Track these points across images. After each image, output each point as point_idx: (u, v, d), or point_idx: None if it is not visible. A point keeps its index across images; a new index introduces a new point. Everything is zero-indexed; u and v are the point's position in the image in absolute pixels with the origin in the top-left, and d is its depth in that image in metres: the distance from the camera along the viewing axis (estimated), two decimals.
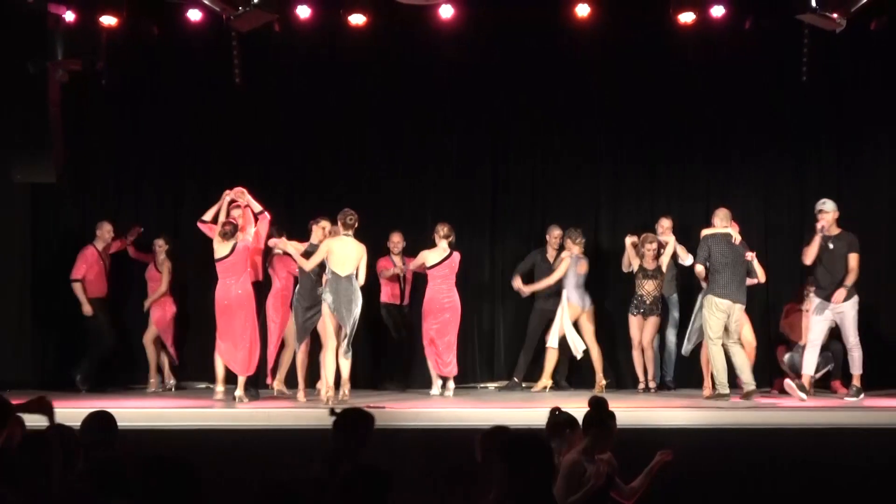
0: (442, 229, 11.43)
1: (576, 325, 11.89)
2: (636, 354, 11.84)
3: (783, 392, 11.13)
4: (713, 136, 12.68)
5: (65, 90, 11.26)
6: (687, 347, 11.40)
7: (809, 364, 10.84)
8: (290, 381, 11.36)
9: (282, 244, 10.97)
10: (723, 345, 10.77)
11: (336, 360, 10.66)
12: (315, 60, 12.55)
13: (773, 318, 12.02)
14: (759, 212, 12.52)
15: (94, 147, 12.58)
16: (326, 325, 10.63)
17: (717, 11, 11.48)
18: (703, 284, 11.00)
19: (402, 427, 8.98)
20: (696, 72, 12.40)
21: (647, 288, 11.71)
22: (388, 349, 12.29)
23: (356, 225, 10.69)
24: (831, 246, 10.81)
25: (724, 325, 10.77)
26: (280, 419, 9.87)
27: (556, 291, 11.98)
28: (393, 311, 12.14)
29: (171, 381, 12.13)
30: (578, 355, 11.88)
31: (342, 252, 10.57)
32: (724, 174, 12.72)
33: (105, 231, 11.97)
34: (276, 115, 12.64)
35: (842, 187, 12.51)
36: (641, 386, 11.82)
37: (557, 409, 6.34)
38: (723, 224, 10.99)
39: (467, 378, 12.44)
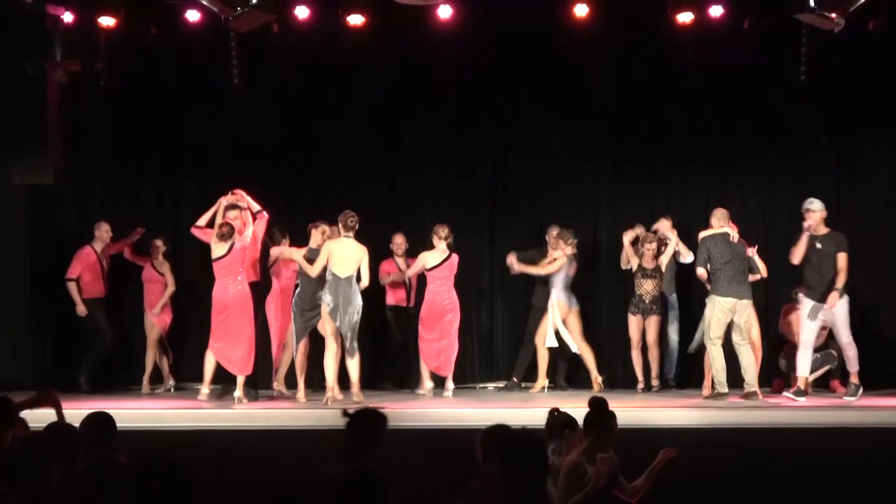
0: (441, 230, 11.42)
1: (564, 324, 11.87)
2: (635, 354, 11.84)
3: (782, 392, 11.15)
4: (712, 135, 12.68)
5: (63, 91, 11.24)
6: (692, 346, 11.41)
7: (803, 366, 10.81)
8: (291, 381, 11.35)
9: (286, 252, 10.93)
10: (733, 343, 10.76)
11: (337, 361, 10.67)
12: (314, 61, 12.55)
13: (772, 319, 12.00)
14: (758, 211, 12.52)
15: (93, 148, 12.57)
16: (326, 328, 10.63)
17: (716, 11, 11.50)
18: (708, 286, 10.98)
19: (402, 427, 8.95)
20: (694, 72, 12.40)
21: (646, 287, 11.71)
22: (389, 350, 12.26)
23: (357, 226, 10.69)
24: (819, 245, 10.76)
25: (726, 326, 10.76)
26: (280, 419, 9.87)
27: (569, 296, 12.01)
28: (400, 313, 12.13)
29: (171, 382, 12.12)
30: (574, 350, 11.86)
31: (342, 254, 10.57)
32: (723, 174, 12.72)
33: (103, 231, 11.97)
34: (274, 115, 12.64)
35: (841, 187, 12.53)
36: (640, 386, 11.82)
37: (556, 409, 6.34)
38: (720, 224, 10.99)
39: (466, 378, 12.45)
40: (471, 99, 12.72)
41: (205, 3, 10.84)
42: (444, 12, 11.65)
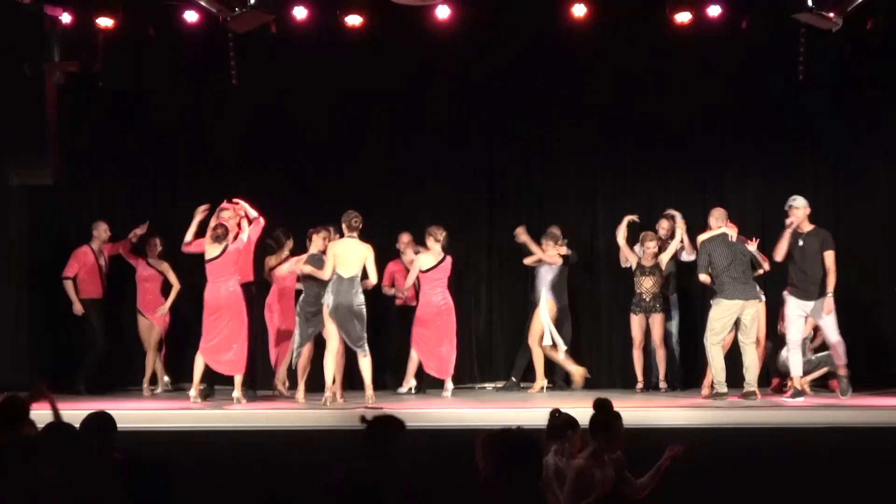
0: (437, 233, 11.42)
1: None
2: (636, 354, 11.84)
3: (780, 392, 11.16)
4: (710, 135, 12.68)
5: (62, 92, 11.24)
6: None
7: (796, 365, 10.75)
8: (292, 381, 11.36)
9: (298, 269, 10.88)
10: (739, 342, 10.74)
11: (336, 361, 10.66)
12: (312, 61, 12.53)
13: (771, 319, 11.99)
14: (756, 211, 12.52)
15: (91, 148, 12.55)
16: (328, 328, 10.62)
17: (714, 11, 11.50)
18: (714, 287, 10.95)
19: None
20: (692, 72, 12.39)
21: (646, 285, 11.72)
22: (397, 350, 12.22)
23: (360, 226, 10.69)
24: (801, 243, 10.67)
25: (728, 327, 10.75)
26: (279, 420, 9.86)
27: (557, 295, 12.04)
28: (408, 313, 12.05)
29: (167, 379, 12.09)
30: (561, 355, 11.85)
31: (346, 254, 10.57)
32: (722, 174, 12.74)
33: (101, 231, 11.96)
34: (272, 115, 12.63)
35: (839, 186, 12.55)
36: (639, 386, 11.82)
37: (557, 410, 6.32)
38: (718, 224, 10.97)
39: (465, 379, 12.45)
40: (469, 99, 12.71)
41: (203, 3, 10.82)
42: (443, 12, 11.65)
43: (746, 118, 12.54)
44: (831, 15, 10.48)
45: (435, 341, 11.47)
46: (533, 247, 11.88)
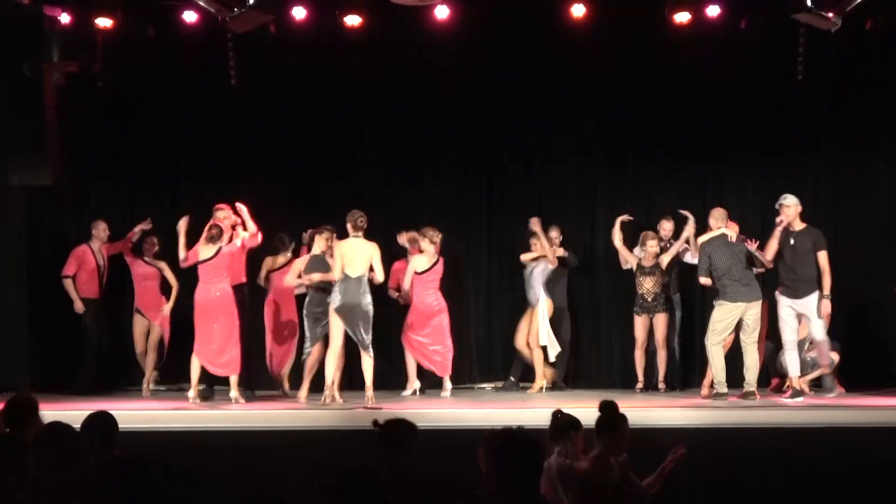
0: (432, 234, 11.42)
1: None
2: (638, 354, 11.84)
3: (779, 392, 11.15)
4: (710, 135, 12.69)
5: (61, 92, 11.23)
6: None
7: (793, 365, 10.73)
8: (295, 382, 11.39)
9: (307, 280, 10.84)
10: (741, 342, 10.72)
11: (337, 361, 10.66)
12: (311, 61, 12.53)
13: (771, 319, 11.99)
14: (755, 211, 12.52)
15: (91, 148, 12.55)
16: (332, 327, 10.62)
17: (713, 11, 11.51)
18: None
19: None
20: (692, 72, 12.40)
21: (647, 286, 11.72)
22: (396, 351, 12.21)
23: (366, 225, 10.69)
24: (793, 241, 10.62)
25: (730, 328, 10.74)
26: (278, 420, 9.85)
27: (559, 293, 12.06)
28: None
29: (155, 373, 12.07)
30: (552, 358, 11.88)
31: (353, 253, 10.57)
32: (722, 174, 12.75)
33: (100, 230, 11.96)
34: (271, 115, 12.63)
35: (838, 186, 12.56)
36: (639, 386, 11.82)
37: (559, 411, 6.32)
38: (718, 224, 10.96)
39: (464, 379, 12.45)
40: (468, 99, 12.71)
41: (202, 3, 10.82)
42: (442, 13, 11.65)
43: (746, 118, 12.54)
44: (830, 15, 10.48)
45: (430, 342, 11.46)
46: (543, 241, 11.86)
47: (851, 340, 11.91)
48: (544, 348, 11.84)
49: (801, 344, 11.11)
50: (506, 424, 5.60)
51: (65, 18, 11.08)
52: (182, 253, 10.85)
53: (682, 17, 11.48)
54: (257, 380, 11.86)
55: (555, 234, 12.08)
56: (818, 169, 12.66)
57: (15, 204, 12.43)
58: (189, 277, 11.51)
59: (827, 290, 10.57)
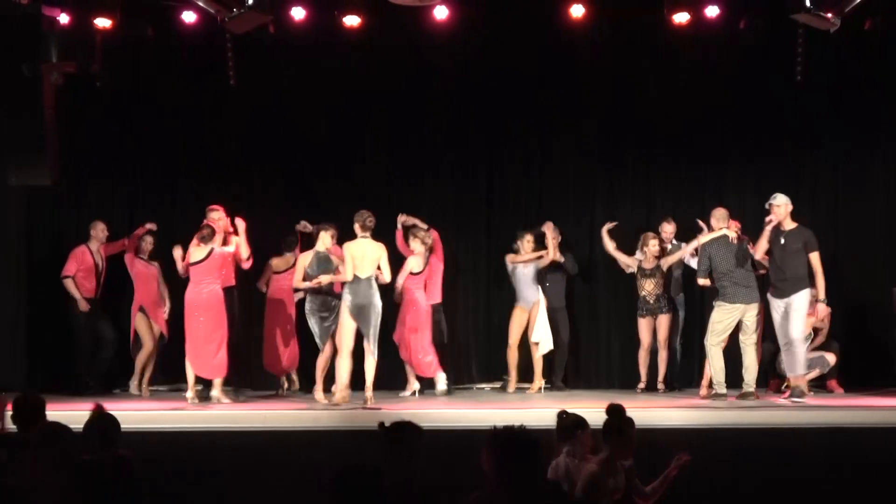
0: (422, 235, 11.44)
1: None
2: (643, 355, 11.83)
3: (778, 392, 11.15)
4: (710, 135, 12.68)
5: (60, 92, 11.22)
6: None
7: (791, 365, 10.75)
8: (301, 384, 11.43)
9: (324, 279, 10.82)
10: (740, 343, 10.71)
11: (341, 361, 10.68)
12: (310, 62, 12.53)
13: (768, 319, 11.98)
14: (754, 212, 12.46)
15: (90, 148, 12.55)
16: (344, 328, 10.59)
17: (712, 12, 11.50)
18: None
19: None
20: (691, 72, 12.40)
21: (648, 287, 11.72)
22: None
23: (374, 226, 10.69)
24: (783, 241, 10.56)
25: (730, 329, 10.72)
26: (278, 420, 9.85)
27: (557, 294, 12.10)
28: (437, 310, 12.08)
29: (145, 378, 12.07)
30: (537, 355, 11.90)
31: (362, 254, 10.56)
32: (722, 174, 12.74)
33: (99, 230, 11.95)
34: (271, 116, 12.62)
35: (838, 187, 12.55)
36: (641, 386, 11.82)
37: (564, 412, 6.32)
38: (720, 225, 10.95)
39: (463, 379, 12.46)
40: (468, 99, 12.71)
41: (201, 4, 10.81)
42: (441, 13, 11.65)
43: (745, 118, 12.54)
44: (829, 15, 10.47)
45: (417, 340, 11.44)
46: (553, 244, 11.87)
47: (851, 340, 11.93)
48: (537, 344, 11.84)
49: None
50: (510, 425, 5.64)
51: (64, 19, 11.07)
52: (181, 266, 10.92)
53: (681, 18, 11.47)
54: (257, 380, 11.89)
55: (553, 234, 12.06)
56: (817, 169, 12.66)
57: (14, 204, 12.44)
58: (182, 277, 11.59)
59: (821, 293, 10.52)
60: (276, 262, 11.69)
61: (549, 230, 11.92)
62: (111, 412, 5.77)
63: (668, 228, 11.92)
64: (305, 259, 10.83)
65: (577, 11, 11.59)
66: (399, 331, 11.55)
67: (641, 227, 12.22)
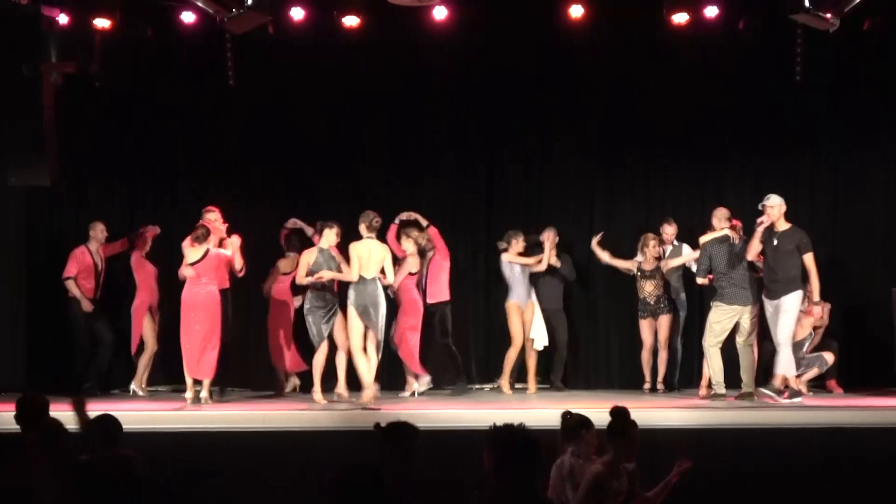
0: (416, 235, 11.45)
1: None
2: (645, 356, 11.84)
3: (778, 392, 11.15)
4: (709, 135, 12.68)
5: (59, 92, 11.22)
6: None
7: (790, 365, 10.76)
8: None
9: (328, 275, 10.77)
10: (736, 344, 10.71)
11: (342, 362, 10.69)
12: (309, 62, 12.53)
13: (767, 319, 12.00)
14: (753, 212, 12.48)
15: (89, 149, 12.55)
16: (353, 328, 10.59)
17: (711, 12, 11.49)
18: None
19: None
20: (691, 72, 12.40)
21: (648, 289, 11.73)
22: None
23: (379, 226, 10.70)
24: (776, 241, 10.52)
25: (728, 330, 10.72)
26: (277, 421, 9.85)
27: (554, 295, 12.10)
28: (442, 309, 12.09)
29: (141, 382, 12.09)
30: (539, 347, 11.94)
31: (368, 255, 10.60)
32: (721, 174, 12.74)
33: (98, 231, 11.95)
34: (270, 116, 12.62)
35: (837, 187, 12.55)
36: (647, 386, 11.82)
37: (568, 412, 6.31)
38: (721, 225, 10.95)
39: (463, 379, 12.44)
40: (467, 99, 12.71)
41: (200, 4, 10.82)
42: (440, 13, 11.65)
43: (745, 118, 12.54)
44: (828, 15, 10.47)
45: (413, 339, 11.45)
46: (547, 253, 11.87)
47: (851, 340, 11.93)
48: (532, 341, 11.85)
49: (799, 344, 11.12)
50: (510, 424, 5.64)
51: (63, 19, 11.07)
52: (188, 269, 10.87)
53: (680, 18, 11.47)
54: (257, 380, 11.89)
55: (551, 234, 12.06)
56: (817, 169, 12.66)
57: (13, 204, 12.44)
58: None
59: (816, 294, 10.52)
60: (283, 264, 11.70)
61: (548, 240, 11.91)
62: (111, 412, 5.78)
63: (669, 230, 11.91)
64: (310, 256, 10.80)
65: (576, 11, 11.59)
66: (397, 331, 11.55)
67: (641, 227, 12.22)
